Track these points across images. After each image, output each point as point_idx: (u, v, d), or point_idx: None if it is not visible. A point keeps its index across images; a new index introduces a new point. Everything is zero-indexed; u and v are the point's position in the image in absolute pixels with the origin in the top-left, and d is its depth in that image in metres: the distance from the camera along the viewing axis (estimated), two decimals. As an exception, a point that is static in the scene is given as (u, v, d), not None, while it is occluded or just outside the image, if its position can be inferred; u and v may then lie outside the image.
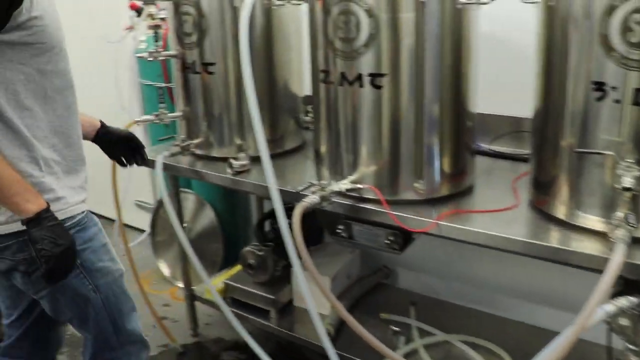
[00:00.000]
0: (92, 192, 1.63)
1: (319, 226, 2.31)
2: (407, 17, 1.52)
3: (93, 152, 1.77)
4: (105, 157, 1.92)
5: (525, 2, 1.52)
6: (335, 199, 1.64)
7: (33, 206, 1.36)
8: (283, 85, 2.16)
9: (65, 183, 1.49)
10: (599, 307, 1.25)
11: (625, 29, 1.28)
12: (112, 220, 3.25)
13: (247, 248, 2.32)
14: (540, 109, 1.56)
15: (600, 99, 1.36)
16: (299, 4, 2.06)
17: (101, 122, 1.81)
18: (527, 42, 1.64)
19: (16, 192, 1.35)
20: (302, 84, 2.27)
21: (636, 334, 1.36)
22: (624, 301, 1.31)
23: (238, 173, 1.97)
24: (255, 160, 1.93)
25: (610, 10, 1.29)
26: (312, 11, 1.69)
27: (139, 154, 1.89)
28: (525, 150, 2.13)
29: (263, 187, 1.87)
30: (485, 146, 2.17)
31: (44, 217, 1.37)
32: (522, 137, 2.17)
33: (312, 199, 1.53)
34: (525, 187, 1.73)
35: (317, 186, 1.59)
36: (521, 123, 2.12)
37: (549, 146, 1.53)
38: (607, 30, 1.30)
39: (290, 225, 1.50)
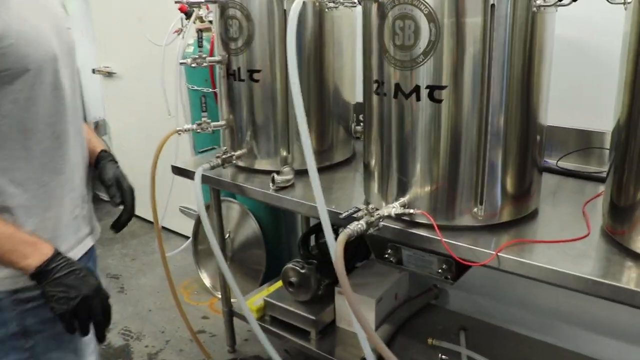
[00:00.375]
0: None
1: (364, 246, 2.18)
2: (473, 22, 1.36)
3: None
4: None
5: (613, 3, 1.34)
6: (384, 223, 1.50)
7: (33, 261, 1.17)
8: (334, 92, 2.03)
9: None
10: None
11: None
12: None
13: (289, 265, 2.20)
14: (625, 122, 1.37)
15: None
16: (354, 7, 1.93)
17: (100, 155, 1.49)
18: (608, 46, 1.47)
19: (9, 250, 1.16)
20: (354, 90, 2.14)
21: None
22: None
23: (281, 189, 1.85)
24: (301, 173, 1.81)
25: None
26: (366, 15, 1.55)
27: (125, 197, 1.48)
28: (596, 168, 1.96)
29: (307, 205, 1.76)
30: (551, 162, 2.00)
31: (49, 269, 1.18)
32: (593, 153, 1.99)
33: (357, 226, 1.39)
34: (598, 212, 1.55)
35: (364, 210, 1.45)
36: (592, 137, 1.94)
37: (632, 165, 1.34)
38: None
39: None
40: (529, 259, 1.38)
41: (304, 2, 1.43)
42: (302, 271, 2.16)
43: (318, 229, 2.30)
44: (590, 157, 2.01)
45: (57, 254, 1.20)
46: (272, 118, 1.95)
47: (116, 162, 1.50)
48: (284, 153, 1.96)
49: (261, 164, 2.03)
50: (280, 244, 2.86)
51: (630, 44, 1.33)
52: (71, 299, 1.18)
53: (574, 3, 1.36)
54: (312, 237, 2.35)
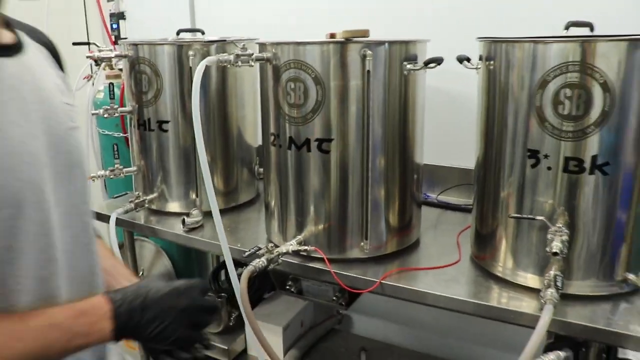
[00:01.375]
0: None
1: (268, 279, 2.36)
2: (353, 84, 1.59)
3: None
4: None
5: (468, 68, 1.62)
6: (284, 259, 1.68)
7: (105, 323, 0.96)
8: (237, 138, 2.21)
9: None
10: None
11: (557, 102, 1.38)
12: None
13: (201, 299, 2.33)
14: (482, 161, 1.65)
15: (534, 165, 1.46)
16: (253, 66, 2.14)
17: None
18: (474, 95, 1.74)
19: (72, 336, 0.93)
20: (256, 135, 2.33)
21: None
22: (553, 356, 1.38)
23: (191, 230, 2.00)
24: (209, 214, 1.97)
25: (544, 83, 1.39)
26: (262, 75, 1.75)
27: None
28: (471, 201, 2.25)
29: (215, 245, 1.91)
30: (433, 196, 2.27)
31: (121, 318, 0.96)
32: (470, 187, 2.27)
33: (259, 262, 1.57)
34: (468, 240, 1.81)
35: (264, 249, 1.63)
36: (469, 174, 2.22)
37: (489, 198, 1.62)
38: (541, 102, 1.40)
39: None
40: (409, 285, 1.60)
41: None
42: (214, 304, 2.30)
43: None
44: (469, 192, 2.30)
45: (111, 299, 0.99)
46: (180, 164, 2.09)
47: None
48: (193, 196, 2.11)
49: (172, 207, 2.16)
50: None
51: (481, 101, 1.61)
52: (168, 328, 0.99)
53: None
54: (222, 272, 2.50)
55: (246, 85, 2.19)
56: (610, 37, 1.33)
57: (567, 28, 1.52)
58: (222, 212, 1.68)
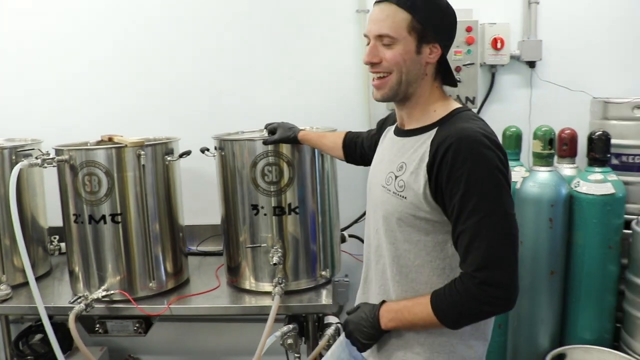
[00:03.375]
0: None
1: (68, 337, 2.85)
2: (131, 175, 2.31)
3: None
4: None
5: (208, 156, 2.45)
6: (95, 304, 2.29)
7: None
8: (31, 221, 2.68)
9: None
10: (272, 334, 2.16)
11: (263, 174, 2.29)
12: None
13: (8, 365, 2.72)
14: (225, 219, 2.48)
15: (257, 213, 2.34)
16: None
17: None
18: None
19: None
20: (46, 219, 2.83)
21: (297, 346, 2.31)
22: (285, 329, 2.25)
23: (3, 301, 2.44)
24: (15, 287, 2.47)
25: (255, 163, 2.29)
26: (61, 171, 2.33)
27: None
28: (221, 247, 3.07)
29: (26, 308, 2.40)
30: (194, 248, 3.04)
31: None
32: (221, 238, 3.09)
33: (79, 306, 2.17)
34: (224, 273, 2.62)
35: (82, 298, 2.22)
36: (217, 228, 3.04)
37: (232, 242, 2.45)
38: (254, 175, 2.30)
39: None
40: (189, 305, 2.36)
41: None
42: (22, 367, 2.71)
43: (27, 333, 2.87)
44: (219, 240, 3.07)
45: None
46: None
47: None
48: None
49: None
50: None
51: (219, 176, 2.46)
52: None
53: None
54: (21, 342, 2.88)
55: (36, 179, 2.70)
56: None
57: (266, 128, 2.44)
58: (24, 285, 2.30)
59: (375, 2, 1.50)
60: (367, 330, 1.55)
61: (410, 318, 1.48)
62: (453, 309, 1.39)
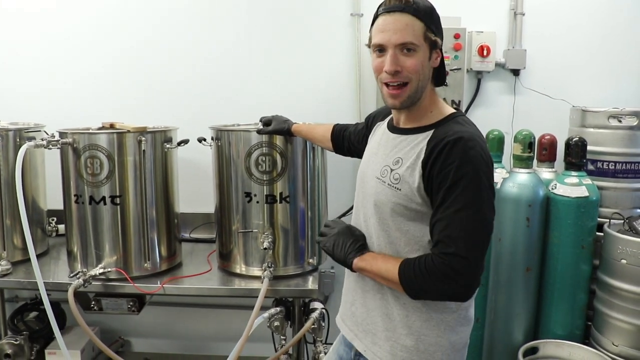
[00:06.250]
0: None
1: (62, 315, 2.98)
2: (131, 159, 2.43)
3: None
4: None
5: (205, 145, 2.58)
6: (93, 282, 2.40)
7: None
8: (32, 203, 2.79)
9: None
10: (260, 316, 2.28)
11: (257, 164, 2.41)
12: None
13: (4, 340, 2.81)
14: (218, 207, 2.61)
15: (249, 201, 2.46)
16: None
17: None
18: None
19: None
20: (46, 201, 2.94)
21: (283, 328, 2.43)
22: (272, 310, 2.37)
23: (3, 275, 2.55)
24: (15, 264, 2.59)
25: (249, 153, 2.41)
26: (64, 154, 2.45)
27: None
28: (213, 235, 3.18)
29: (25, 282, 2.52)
30: (187, 235, 3.16)
31: None
32: (212, 226, 3.21)
33: (78, 281, 2.28)
34: (215, 258, 2.74)
35: (80, 274, 2.34)
36: (209, 217, 3.16)
37: (225, 229, 2.58)
38: (249, 164, 2.42)
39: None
40: (181, 285, 2.48)
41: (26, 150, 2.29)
42: (17, 342, 2.80)
43: (22, 310, 2.97)
44: (211, 228, 3.20)
45: None
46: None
47: None
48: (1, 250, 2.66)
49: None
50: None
51: (214, 165, 2.59)
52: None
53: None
54: (22, 315, 2.98)
55: (38, 161, 2.82)
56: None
57: (261, 121, 2.57)
58: (22, 262, 2.46)
59: (385, 12, 1.54)
60: (337, 255, 1.70)
61: (377, 267, 1.60)
62: (415, 279, 1.50)
